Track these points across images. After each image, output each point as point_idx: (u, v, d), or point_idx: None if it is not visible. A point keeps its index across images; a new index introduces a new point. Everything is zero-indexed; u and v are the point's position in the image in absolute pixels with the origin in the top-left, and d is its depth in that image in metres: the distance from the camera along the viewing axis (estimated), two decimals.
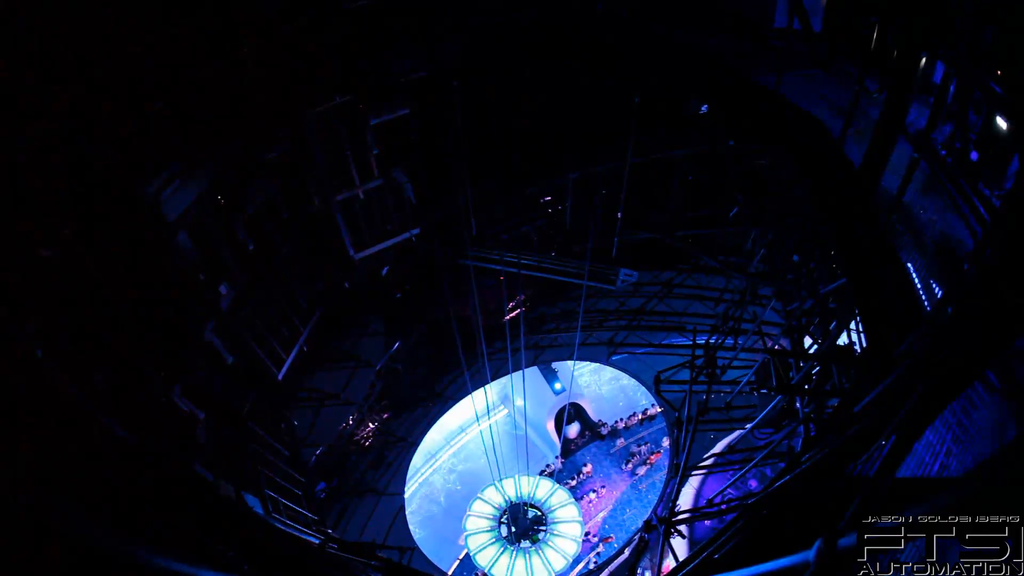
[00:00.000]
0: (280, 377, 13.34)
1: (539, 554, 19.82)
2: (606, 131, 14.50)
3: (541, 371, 24.25)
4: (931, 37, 7.73)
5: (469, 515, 20.58)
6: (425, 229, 14.85)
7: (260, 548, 6.24)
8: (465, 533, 20.01)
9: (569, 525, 20.37)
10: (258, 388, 12.18)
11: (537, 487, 21.52)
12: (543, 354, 21.31)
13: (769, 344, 13.56)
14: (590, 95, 14.25)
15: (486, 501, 21.10)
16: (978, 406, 4.81)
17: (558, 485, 22.02)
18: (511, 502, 20.86)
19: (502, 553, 19.66)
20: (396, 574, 10.33)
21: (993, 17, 7.18)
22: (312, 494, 13.82)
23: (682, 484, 13.18)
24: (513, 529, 20.52)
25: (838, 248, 10.29)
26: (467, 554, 20.07)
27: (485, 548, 19.76)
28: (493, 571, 19.19)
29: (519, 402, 21.86)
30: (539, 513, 21.27)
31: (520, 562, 19.43)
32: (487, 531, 20.06)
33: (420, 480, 24.43)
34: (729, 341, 14.65)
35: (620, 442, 24.97)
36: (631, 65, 13.28)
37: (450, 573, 21.04)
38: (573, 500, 21.47)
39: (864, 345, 9.12)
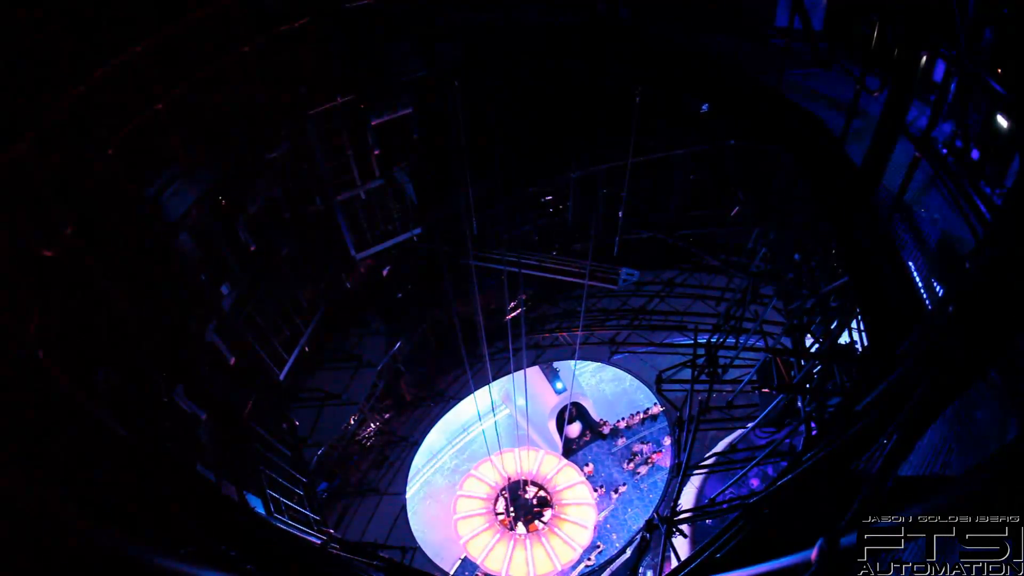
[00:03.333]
0: (282, 377, 13.36)
1: (556, 533, 19.28)
2: (607, 130, 14.50)
3: (542, 370, 24.25)
4: (931, 35, 7.72)
5: (459, 495, 20.20)
6: (426, 229, 14.85)
7: (262, 548, 6.25)
8: (459, 529, 19.58)
9: (577, 500, 19.87)
10: (260, 388, 12.20)
11: (527, 460, 21.08)
12: (544, 353, 21.31)
13: (770, 343, 13.56)
14: (591, 94, 14.25)
15: (471, 496, 20.69)
16: (980, 405, 4.80)
17: (555, 455, 21.53)
18: (508, 481, 20.45)
19: (499, 540, 19.21)
20: (398, 574, 10.34)
21: (994, 15, 7.18)
22: (314, 494, 13.83)
23: (684, 483, 13.18)
24: (512, 511, 20.10)
25: (839, 247, 10.29)
26: (469, 552, 19.82)
27: (481, 538, 19.36)
28: (493, 563, 18.80)
29: (520, 401, 21.84)
30: (541, 491, 20.81)
31: (523, 552, 19.01)
32: (483, 523, 19.70)
33: (422, 480, 24.44)
34: (731, 340, 14.65)
35: (621, 441, 24.97)
36: (632, 64, 13.27)
37: (452, 573, 21.01)
38: (577, 470, 20.96)
39: (865, 344, 9.12)
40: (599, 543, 21.59)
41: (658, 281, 19.55)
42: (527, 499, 20.74)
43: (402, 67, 12.56)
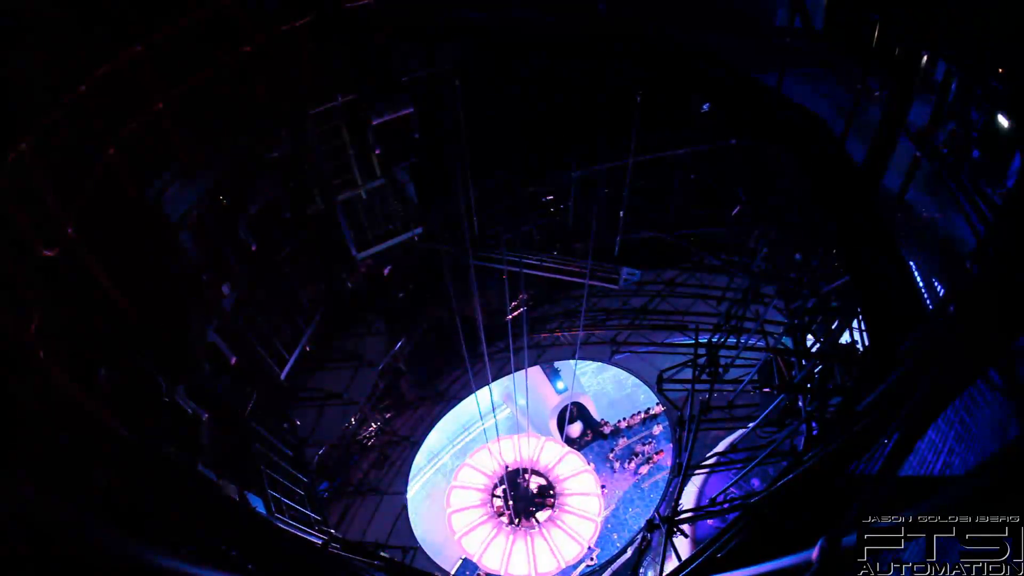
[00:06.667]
0: (283, 377, 13.36)
1: (567, 511, 18.94)
2: (608, 129, 14.50)
3: (543, 370, 24.23)
4: (932, 35, 7.71)
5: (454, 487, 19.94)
6: (427, 228, 14.86)
7: (263, 548, 6.26)
8: (468, 547, 19.07)
9: (583, 489, 19.47)
10: (261, 388, 12.21)
11: (541, 450, 20.66)
12: (545, 353, 21.30)
13: (771, 343, 13.55)
14: (592, 93, 14.24)
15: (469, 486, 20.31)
16: (980, 404, 4.80)
17: (565, 446, 21.15)
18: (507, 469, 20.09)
19: (514, 542, 18.82)
20: (399, 574, 10.34)
21: (994, 15, 7.17)
22: (315, 494, 13.85)
23: (684, 483, 13.18)
24: (511, 504, 19.85)
25: (840, 246, 10.29)
26: (469, 548, 19.47)
27: (477, 532, 19.10)
28: (488, 560, 18.52)
29: (521, 401, 21.84)
30: (544, 482, 20.53)
31: (523, 548, 18.56)
32: (489, 531, 19.42)
33: (423, 480, 24.43)
34: (732, 340, 14.64)
35: (622, 441, 24.96)
36: (633, 64, 13.27)
37: (453, 572, 20.99)
38: (589, 469, 20.45)
39: (866, 343, 9.12)
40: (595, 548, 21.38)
41: (659, 281, 19.54)
42: (527, 488, 20.45)
43: (402, 67, 12.56)
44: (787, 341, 13.19)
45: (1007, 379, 4.66)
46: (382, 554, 11.74)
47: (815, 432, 10.40)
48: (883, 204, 8.56)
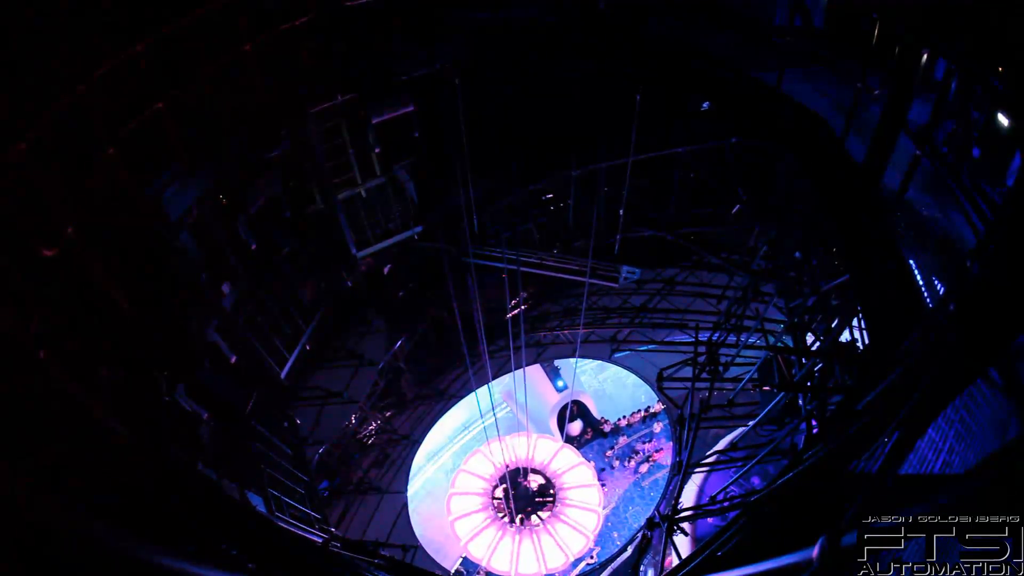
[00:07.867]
0: (283, 376, 13.37)
1: (562, 521, 18.88)
2: (608, 128, 14.49)
3: (544, 368, 24.23)
4: (932, 34, 7.71)
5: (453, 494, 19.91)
6: (427, 227, 14.86)
7: (263, 547, 6.26)
8: (451, 518, 19.10)
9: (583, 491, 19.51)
10: (261, 387, 12.21)
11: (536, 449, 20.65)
12: (545, 351, 21.30)
13: (772, 341, 13.55)
14: (592, 92, 14.23)
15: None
16: (980, 403, 4.80)
17: (565, 444, 21.17)
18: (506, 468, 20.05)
19: (502, 535, 18.76)
20: (399, 572, 10.34)
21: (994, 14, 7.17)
22: (315, 493, 13.85)
23: (685, 481, 13.19)
24: (513, 504, 19.79)
25: (840, 245, 10.29)
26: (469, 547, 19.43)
27: (482, 536, 19.06)
28: (493, 561, 18.50)
29: (522, 400, 21.84)
30: (544, 480, 20.51)
31: (530, 546, 18.52)
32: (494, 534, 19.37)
33: (423, 478, 24.45)
34: (732, 338, 14.64)
35: (622, 439, 24.98)
36: (633, 63, 13.27)
37: (453, 571, 21.01)
38: (584, 461, 20.43)
39: (867, 342, 9.12)
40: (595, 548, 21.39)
41: (659, 279, 19.52)
42: (526, 487, 20.44)
43: (402, 66, 12.56)
44: (787, 339, 13.19)
45: (1007, 378, 4.66)
46: (382, 552, 11.75)
47: (815, 430, 10.41)
48: (883, 203, 8.56)
